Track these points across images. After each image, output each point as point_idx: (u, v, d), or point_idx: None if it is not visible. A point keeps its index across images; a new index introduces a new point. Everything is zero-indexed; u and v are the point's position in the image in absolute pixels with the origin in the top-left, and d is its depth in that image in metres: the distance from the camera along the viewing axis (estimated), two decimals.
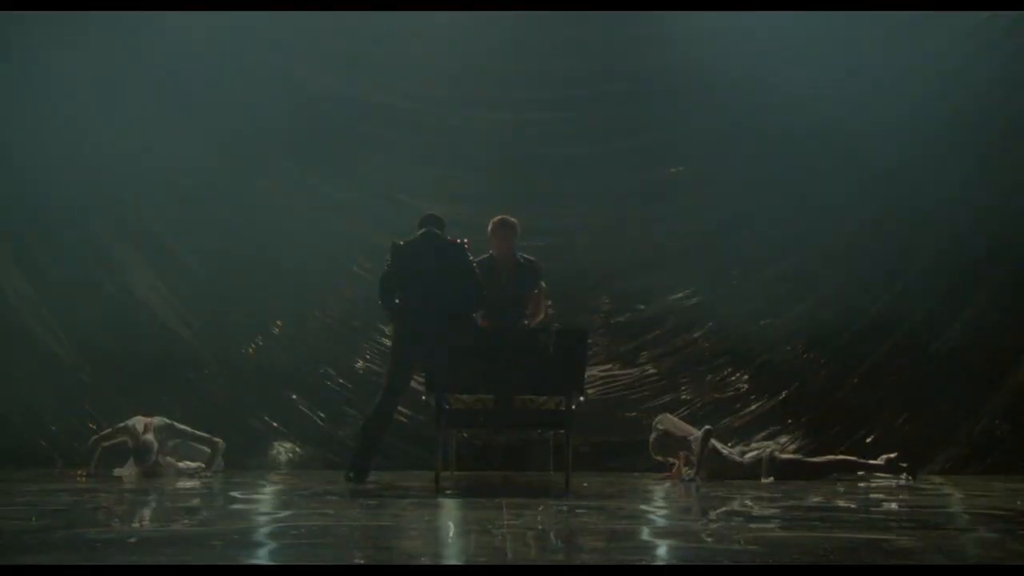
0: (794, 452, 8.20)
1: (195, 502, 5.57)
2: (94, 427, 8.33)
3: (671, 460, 7.74)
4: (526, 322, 7.54)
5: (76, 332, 8.93)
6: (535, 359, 6.29)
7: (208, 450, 7.82)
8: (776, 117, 9.25)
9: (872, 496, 6.25)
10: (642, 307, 9.46)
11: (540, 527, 4.13)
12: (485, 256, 7.45)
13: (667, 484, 7.16)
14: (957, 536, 4.11)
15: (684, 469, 7.55)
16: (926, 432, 8.74)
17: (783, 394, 9.01)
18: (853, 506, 5.55)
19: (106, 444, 7.63)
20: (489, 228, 7.53)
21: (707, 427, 7.53)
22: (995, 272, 9.06)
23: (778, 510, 5.27)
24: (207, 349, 9.10)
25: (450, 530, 4.19)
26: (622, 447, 8.89)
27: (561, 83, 9.70)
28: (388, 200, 9.41)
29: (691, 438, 7.50)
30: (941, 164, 9.10)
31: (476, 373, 6.34)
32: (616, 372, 9.21)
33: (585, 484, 6.80)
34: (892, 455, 7.81)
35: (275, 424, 8.89)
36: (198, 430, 7.90)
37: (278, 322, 9.25)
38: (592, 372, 8.81)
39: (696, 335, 9.33)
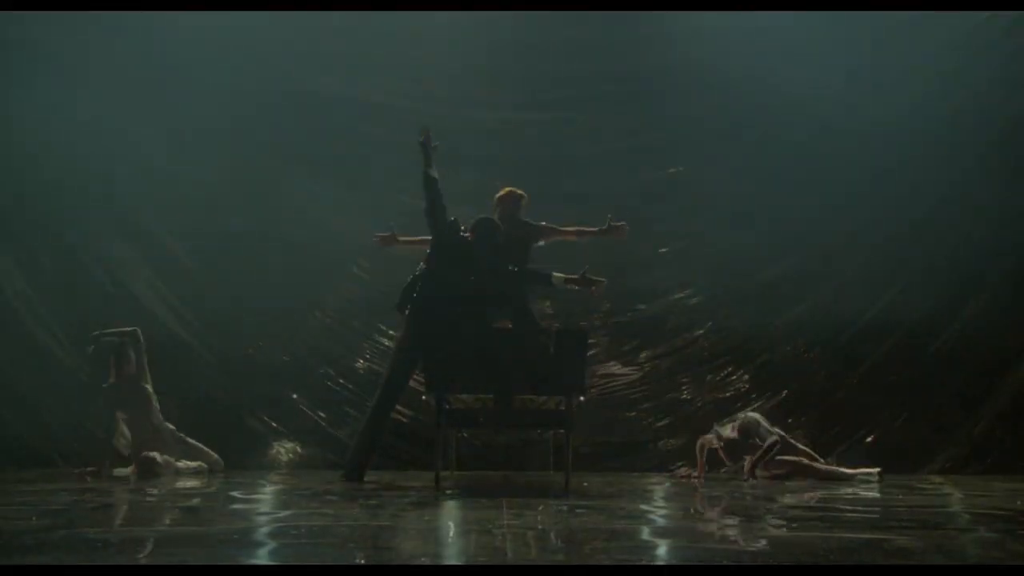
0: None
1: (195, 502, 5.57)
2: (99, 419, 8.31)
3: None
4: (574, 236, 7.57)
5: (76, 332, 8.92)
6: (535, 359, 6.29)
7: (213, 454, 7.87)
8: (776, 117, 9.26)
9: (872, 496, 6.25)
10: (642, 307, 9.47)
11: (540, 527, 4.13)
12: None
13: (667, 484, 7.16)
14: (957, 536, 4.11)
15: (688, 471, 7.61)
16: (926, 432, 8.75)
17: (783, 394, 9.02)
18: (853, 506, 5.55)
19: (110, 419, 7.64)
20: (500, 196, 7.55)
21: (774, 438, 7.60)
22: (995, 272, 9.06)
23: (778, 510, 5.27)
24: (207, 349, 9.10)
25: (450, 530, 4.19)
26: (622, 447, 8.89)
27: (561, 83, 9.70)
28: (388, 200, 9.40)
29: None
30: (941, 164, 9.11)
31: (476, 373, 6.34)
32: (616, 372, 9.22)
33: (585, 484, 6.80)
34: (870, 469, 7.76)
35: (275, 424, 8.89)
36: (200, 436, 7.94)
37: (278, 322, 9.25)
38: (592, 372, 8.84)
39: (696, 335, 9.34)
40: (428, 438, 7.37)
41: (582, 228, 7.75)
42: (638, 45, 9.68)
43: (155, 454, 7.54)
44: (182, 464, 7.72)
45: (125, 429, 7.72)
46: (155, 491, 6.20)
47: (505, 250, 7.27)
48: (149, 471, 7.45)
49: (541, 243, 7.66)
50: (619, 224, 7.62)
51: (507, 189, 7.55)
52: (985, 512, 5.18)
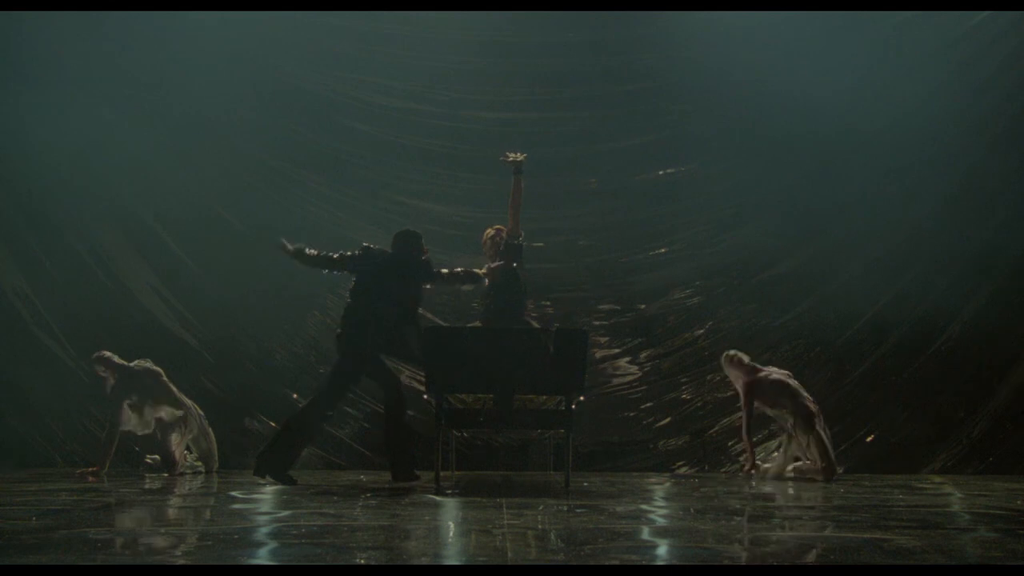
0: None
1: (195, 502, 5.58)
2: (99, 419, 8.33)
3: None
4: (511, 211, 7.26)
5: (76, 332, 8.93)
6: (535, 359, 6.28)
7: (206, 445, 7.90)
8: (776, 117, 9.26)
9: (872, 496, 6.25)
10: (642, 307, 9.47)
11: (540, 527, 4.13)
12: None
13: (667, 484, 7.16)
14: (957, 536, 4.11)
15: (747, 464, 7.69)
16: (926, 432, 8.75)
17: None
18: (853, 506, 5.55)
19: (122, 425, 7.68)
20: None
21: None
22: (995, 272, 9.06)
23: (778, 510, 5.28)
24: (207, 349, 9.09)
25: (450, 530, 4.19)
26: (622, 447, 8.90)
27: (561, 83, 9.70)
28: (387, 200, 9.42)
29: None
30: (941, 164, 9.11)
31: (476, 373, 6.34)
32: (616, 372, 9.22)
33: (585, 484, 6.80)
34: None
35: (275, 424, 8.88)
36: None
37: (278, 322, 9.24)
38: (601, 372, 8.86)
39: (696, 335, 9.34)
40: (428, 438, 7.37)
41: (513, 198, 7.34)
42: (638, 45, 9.68)
43: (177, 451, 7.65)
44: (187, 463, 7.78)
45: (132, 415, 7.69)
46: (155, 491, 6.20)
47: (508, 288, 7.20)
48: (170, 468, 7.53)
49: (520, 237, 7.39)
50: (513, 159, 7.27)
51: (491, 231, 7.44)
52: (985, 512, 5.18)
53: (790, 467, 7.64)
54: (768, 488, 6.89)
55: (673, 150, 9.64)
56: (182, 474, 7.59)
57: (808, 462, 7.59)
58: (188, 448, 7.84)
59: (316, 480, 7.10)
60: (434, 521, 4.50)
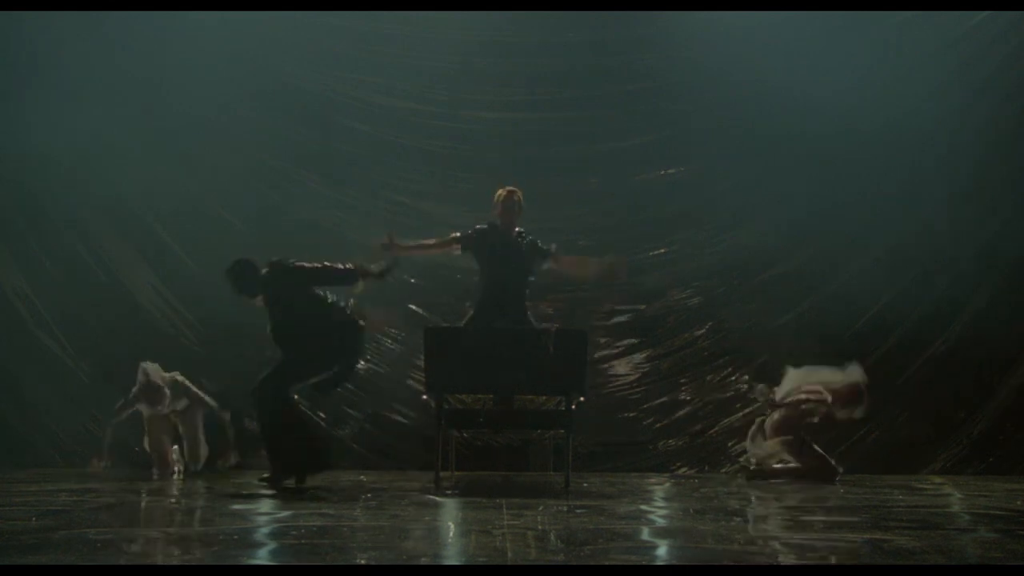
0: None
1: (195, 502, 5.58)
2: (99, 419, 8.32)
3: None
4: (575, 271, 7.49)
5: (75, 332, 8.92)
6: (535, 359, 6.29)
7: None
8: (776, 117, 9.24)
9: (872, 496, 6.25)
10: (642, 307, 9.46)
11: (540, 527, 4.13)
12: (484, 226, 7.36)
13: (667, 484, 7.16)
14: (957, 537, 4.12)
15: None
16: (926, 432, 8.75)
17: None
18: (853, 506, 5.55)
19: (119, 419, 7.70)
20: (497, 198, 7.43)
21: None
22: (995, 273, 9.06)
23: (779, 510, 5.28)
24: (207, 349, 9.09)
25: (450, 530, 4.20)
26: (622, 447, 8.90)
27: (561, 83, 9.69)
28: (388, 201, 9.40)
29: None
30: (941, 165, 9.10)
31: (476, 373, 6.34)
32: (616, 372, 9.21)
33: (585, 484, 6.81)
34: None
35: None
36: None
37: None
38: (603, 372, 8.85)
39: (696, 335, 9.33)
40: (428, 438, 7.37)
41: (579, 263, 7.53)
42: (638, 45, 9.67)
43: (172, 448, 7.74)
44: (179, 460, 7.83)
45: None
46: (154, 492, 6.20)
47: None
48: (161, 469, 7.59)
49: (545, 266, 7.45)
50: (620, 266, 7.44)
51: (505, 191, 7.41)
52: (985, 513, 5.18)
53: (786, 465, 7.61)
54: (768, 489, 6.88)
55: (673, 150, 9.62)
56: (173, 473, 7.63)
57: (796, 464, 7.54)
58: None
59: (317, 480, 7.10)
60: (434, 521, 4.50)
